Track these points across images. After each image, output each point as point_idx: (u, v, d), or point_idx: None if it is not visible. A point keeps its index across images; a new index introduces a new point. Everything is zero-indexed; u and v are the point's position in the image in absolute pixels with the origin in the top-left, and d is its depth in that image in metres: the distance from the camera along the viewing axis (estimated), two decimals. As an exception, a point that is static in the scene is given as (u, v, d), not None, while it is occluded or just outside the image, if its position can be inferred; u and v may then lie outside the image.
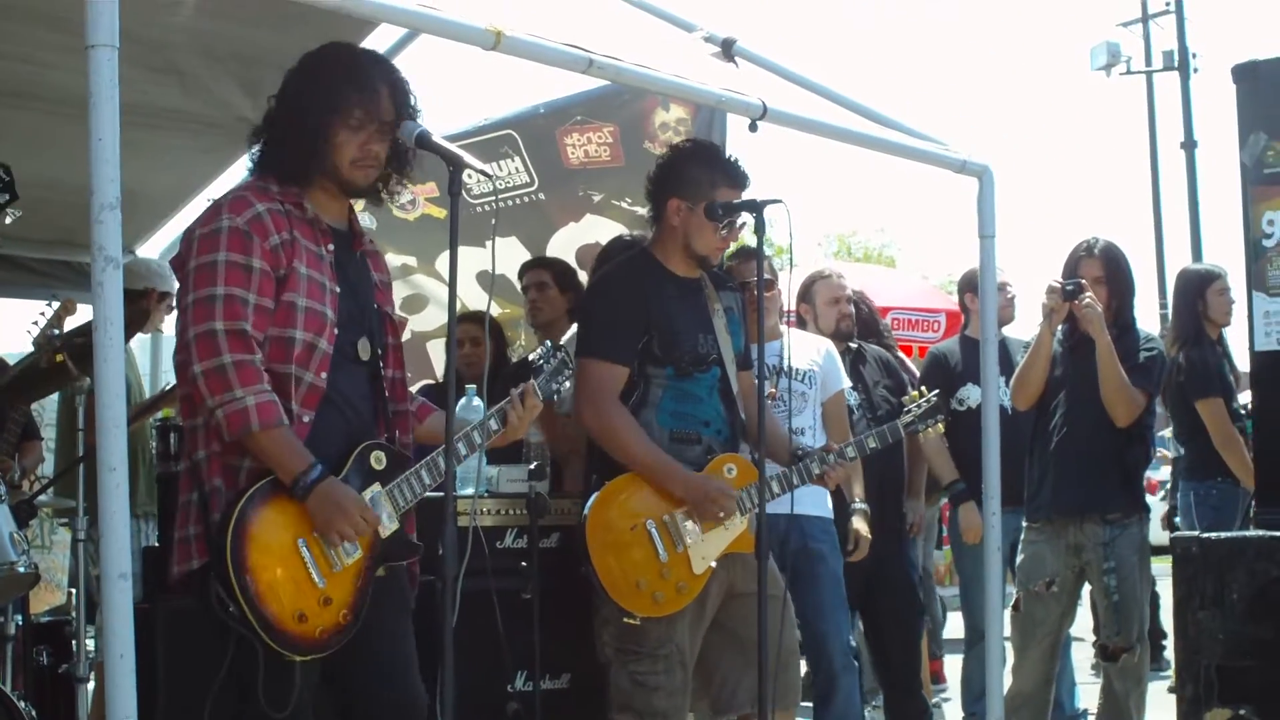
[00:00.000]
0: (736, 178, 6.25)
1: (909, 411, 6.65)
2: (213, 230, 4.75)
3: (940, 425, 6.73)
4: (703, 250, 6.23)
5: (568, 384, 5.52)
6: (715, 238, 6.19)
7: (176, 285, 9.45)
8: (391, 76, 5.02)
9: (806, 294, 8.64)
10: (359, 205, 8.65)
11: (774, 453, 6.30)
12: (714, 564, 6.05)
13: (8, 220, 4.73)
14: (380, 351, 5.09)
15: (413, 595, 5.18)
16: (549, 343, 5.56)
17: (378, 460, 4.89)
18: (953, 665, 10.73)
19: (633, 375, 6.10)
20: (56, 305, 7.34)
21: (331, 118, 4.88)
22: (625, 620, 5.98)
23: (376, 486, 4.86)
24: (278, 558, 4.64)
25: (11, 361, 8.11)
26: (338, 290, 4.90)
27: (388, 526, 4.88)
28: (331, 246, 4.95)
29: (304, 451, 4.66)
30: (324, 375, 4.81)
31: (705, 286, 6.36)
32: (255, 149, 5.09)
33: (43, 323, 7.21)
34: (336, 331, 4.86)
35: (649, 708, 6.01)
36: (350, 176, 4.95)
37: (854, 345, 8.61)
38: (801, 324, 8.57)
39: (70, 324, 7.40)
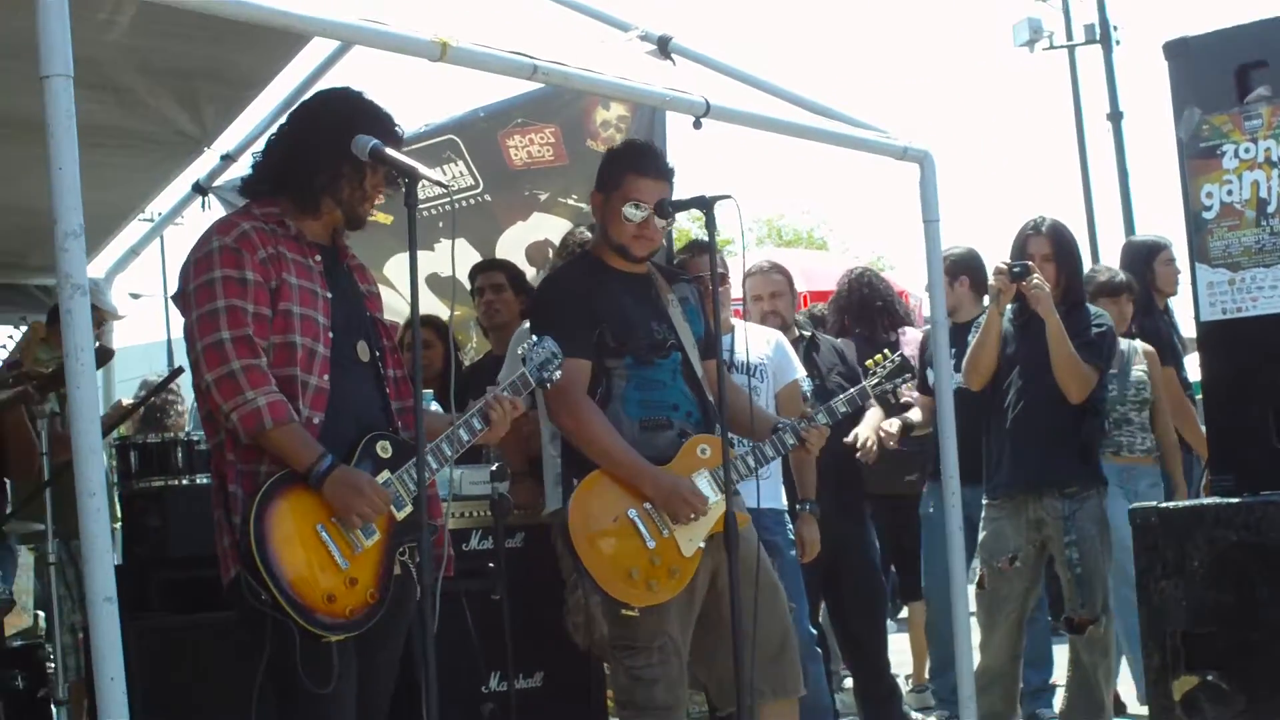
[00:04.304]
0: (645, 166, 6.26)
1: (874, 374, 6.67)
2: (205, 253, 5.00)
3: (909, 385, 6.76)
4: (619, 239, 6.22)
5: (558, 373, 5.58)
6: (628, 228, 6.17)
7: (108, 301, 9.53)
8: (396, 125, 5.31)
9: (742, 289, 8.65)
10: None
11: (757, 431, 6.38)
12: (703, 544, 6.04)
13: None
14: (379, 354, 5.31)
15: (415, 596, 5.23)
16: (535, 334, 5.62)
17: (384, 449, 5.08)
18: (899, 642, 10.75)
19: (594, 371, 6.11)
20: (25, 328, 7.35)
21: (358, 163, 5.11)
22: (624, 613, 5.93)
23: (386, 473, 5.04)
24: (301, 544, 4.85)
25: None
26: (329, 296, 5.14)
27: (401, 510, 5.06)
28: (319, 258, 5.19)
29: (315, 444, 4.90)
30: (326, 378, 5.05)
31: (655, 279, 6.38)
32: (249, 177, 5.35)
33: (10, 346, 7.22)
34: (332, 335, 5.10)
35: (651, 701, 5.97)
36: (360, 211, 5.27)
37: (807, 334, 8.63)
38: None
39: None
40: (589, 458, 6.06)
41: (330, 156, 5.12)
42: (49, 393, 6.88)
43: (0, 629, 6.88)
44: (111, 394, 10.24)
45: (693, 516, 6.00)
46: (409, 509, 5.06)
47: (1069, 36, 35.39)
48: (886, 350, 6.92)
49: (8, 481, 7.86)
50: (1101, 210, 35.01)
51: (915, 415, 8.86)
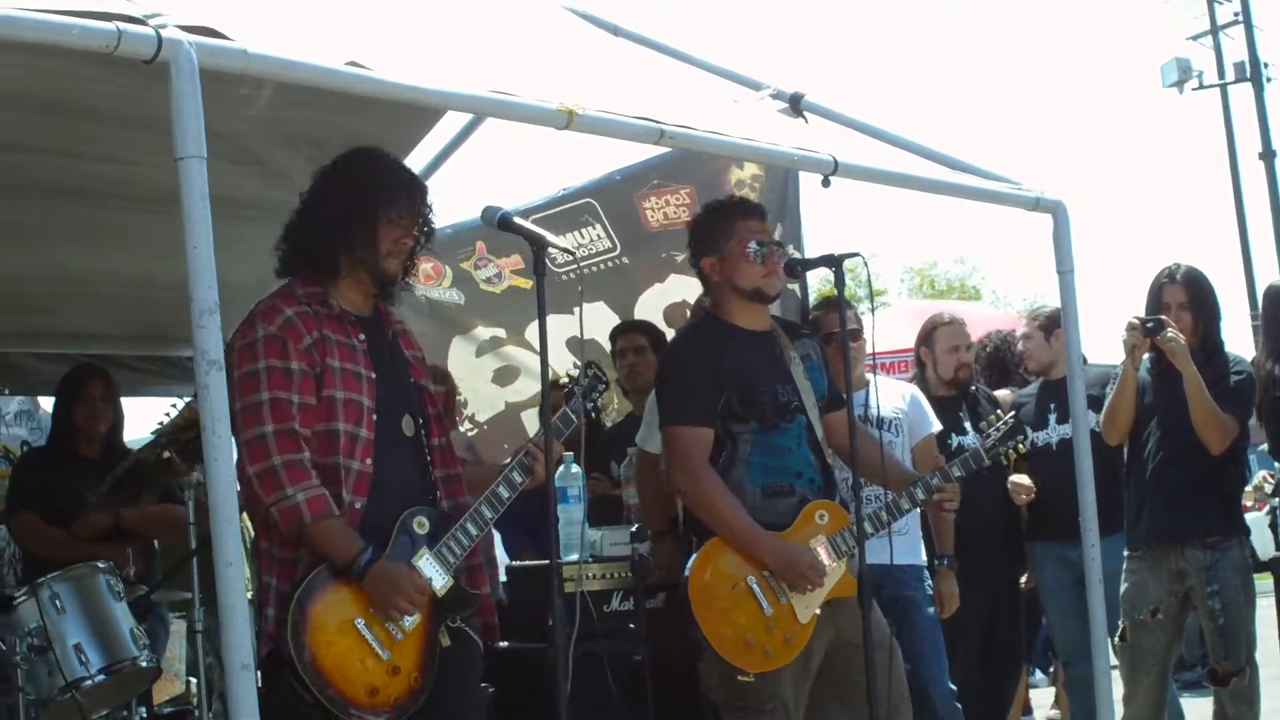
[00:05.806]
0: (746, 208, 6.47)
1: (988, 436, 6.64)
2: (250, 341, 5.06)
3: (1022, 447, 6.73)
4: (749, 284, 6.28)
5: (602, 400, 5.63)
6: (755, 269, 6.24)
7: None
8: (419, 183, 5.43)
9: (928, 339, 8.72)
10: (446, 281, 8.78)
11: (890, 481, 6.44)
12: (818, 610, 6.09)
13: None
14: (422, 423, 5.36)
15: (481, 651, 5.37)
16: (577, 362, 5.70)
17: (420, 525, 5.13)
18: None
19: (719, 435, 6.15)
20: (183, 403, 7.46)
21: (374, 210, 5.19)
22: (739, 679, 5.99)
23: (424, 550, 5.09)
24: (340, 642, 4.93)
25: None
26: (374, 377, 5.20)
27: (442, 585, 5.10)
28: (362, 336, 5.24)
29: (354, 537, 4.96)
30: (369, 461, 5.10)
31: (779, 337, 6.42)
32: (281, 252, 5.39)
33: (172, 415, 7.35)
34: (376, 417, 5.15)
35: None
36: (384, 265, 5.23)
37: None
38: (921, 368, 8.69)
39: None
40: (707, 525, 6.12)
41: (341, 216, 5.20)
42: (196, 462, 6.99)
43: (149, 696, 7.00)
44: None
45: (809, 588, 6.04)
46: (450, 583, 5.11)
47: (1220, 75, 35.01)
48: (999, 412, 6.89)
49: (157, 550, 8.01)
50: (1257, 249, 34.16)
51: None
